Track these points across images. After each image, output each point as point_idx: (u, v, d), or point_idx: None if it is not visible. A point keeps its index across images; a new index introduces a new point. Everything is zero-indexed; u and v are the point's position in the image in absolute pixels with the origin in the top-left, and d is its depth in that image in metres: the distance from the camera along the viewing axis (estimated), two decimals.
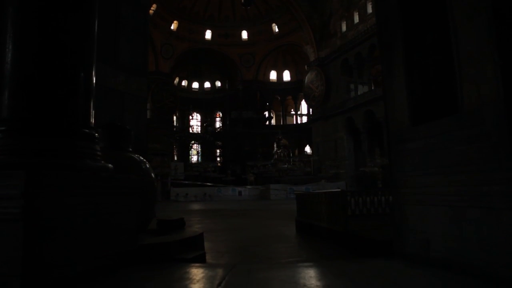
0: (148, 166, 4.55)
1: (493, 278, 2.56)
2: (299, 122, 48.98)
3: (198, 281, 2.80)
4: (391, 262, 3.43)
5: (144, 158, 4.65)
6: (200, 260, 3.99)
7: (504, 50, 2.59)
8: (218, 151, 48.06)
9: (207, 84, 49.44)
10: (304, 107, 47.80)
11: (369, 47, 30.98)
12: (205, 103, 47.68)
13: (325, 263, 4.12)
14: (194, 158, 47.39)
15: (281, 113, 49.79)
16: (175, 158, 41.88)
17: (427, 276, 2.88)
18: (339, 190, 6.52)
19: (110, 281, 2.78)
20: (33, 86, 2.99)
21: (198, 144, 46.70)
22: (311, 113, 42.47)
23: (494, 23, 2.65)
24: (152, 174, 4.56)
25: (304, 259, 5.05)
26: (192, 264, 3.47)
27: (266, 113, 48.19)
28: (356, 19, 33.88)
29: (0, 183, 2.53)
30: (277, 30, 43.95)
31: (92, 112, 3.43)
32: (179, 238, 4.11)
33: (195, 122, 49.12)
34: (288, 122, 50.22)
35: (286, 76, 48.61)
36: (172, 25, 41.14)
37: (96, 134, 3.42)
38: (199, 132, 46.79)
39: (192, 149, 47.27)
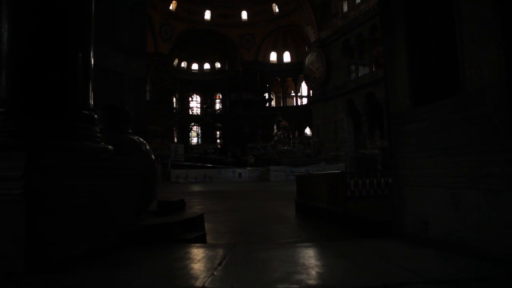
0: (148, 147, 4.55)
1: (491, 259, 2.59)
2: (299, 103, 48.79)
3: (198, 260, 2.84)
4: (390, 243, 3.47)
5: (144, 140, 4.64)
6: (201, 240, 4.04)
7: (508, 31, 2.55)
8: (218, 133, 48.07)
9: (206, 66, 49.04)
10: (304, 88, 47.53)
11: (370, 28, 30.59)
12: (204, 85, 47.40)
13: (324, 244, 4.17)
14: (194, 140, 47.44)
15: (281, 94, 49.54)
16: (175, 140, 41.92)
17: (424, 256, 2.92)
18: (339, 171, 6.55)
19: (111, 261, 2.82)
20: (31, 67, 2.96)
21: (198, 126, 46.66)
22: (311, 95, 42.27)
23: (498, 2, 2.60)
24: (152, 156, 4.56)
25: (303, 240, 5.11)
26: (193, 244, 3.51)
27: (266, 95, 47.95)
28: None
29: (0, 164, 2.54)
30: (277, 10, 43.28)
31: (91, 94, 3.40)
32: (179, 219, 4.14)
33: (195, 104, 48.93)
34: (288, 103, 50.02)
35: (287, 57, 48.15)
36: (171, 5, 40.44)
37: (96, 116, 3.41)
38: (199, 114, 46.69)
39: (192, 131, 47.27)
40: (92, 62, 3.42)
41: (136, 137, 4.50)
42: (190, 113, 45.37)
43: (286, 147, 37.48)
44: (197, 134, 47.48)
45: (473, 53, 2.82)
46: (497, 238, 2.59)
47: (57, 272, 2.46)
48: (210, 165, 30.87)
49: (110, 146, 3.44)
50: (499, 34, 2.57)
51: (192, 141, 46.85)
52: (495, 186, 2.61)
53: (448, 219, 3.03)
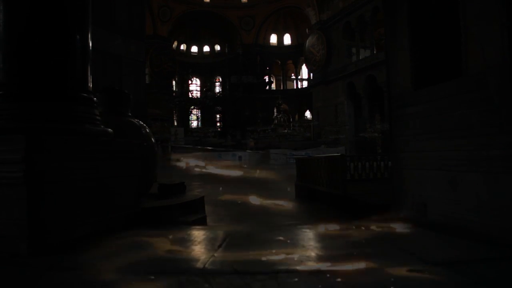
0: (148, 130, 4.53)
1: (490, 241, 2.61)
2: (299, 86, 48.47)
3: (199, 242, 2.87)
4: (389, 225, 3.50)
5: (143, 123, 4.63)
6: (201, 223, 4.07)
7: None
8: (218, 116, 47.94)
9: (206, 48, 48.53)
10: (304, 71, 47.13)
11: (372, 9, 30.10)
12: (204, 68, 47.02)
13: (324, 226, 4.20)
14: (194, 123, 47.34)
15: (281, 77, 49.16)
16: (175, 123, 41.82)
17: (423, 238, 2.95)
18: (339, 155, 6.55)
19: (112, 243, 2.84)
20: (29, 49, 2.92)
21: (198, 109, 46.52)
22: (311, 78, 41.96)
23: None
24: (152, 139, 4.55)
25: (303, 222, 5.15)
26: (193, 227, 3.54)
27: (266, 78, 47.57)
28: None
29: (0, 147, 2.54)
30: None
31: (90, 77, 3.37)
32: (180, 201, 4.16)
33: (195, 87, 48.61)
34: (289, 86, 49.68)
35: (287, 39, 47.59)
36: None
37: (95, 99, 3.39)
38: (199, 97, 46.47)
39: (192, 114, 47.14)
40: (91, 45, 3.38)
41: (135, 120, 4.48)
42: (190, 96, 45.14)
43: (286, 131, 37.41)
44: (197, 118, 47.37)
45: (476, 35, 2.79)
46: (496, 221, 2.61)
47: (59, 254, 2.49)
48: (210, 148, 30.84)
49: (109, 129, 3.44)
50: (503, 15, 2.53)
51: (192, 124, 46.74)
52: (495, 169, 2.61)
53: (447, 202, 3.05)
